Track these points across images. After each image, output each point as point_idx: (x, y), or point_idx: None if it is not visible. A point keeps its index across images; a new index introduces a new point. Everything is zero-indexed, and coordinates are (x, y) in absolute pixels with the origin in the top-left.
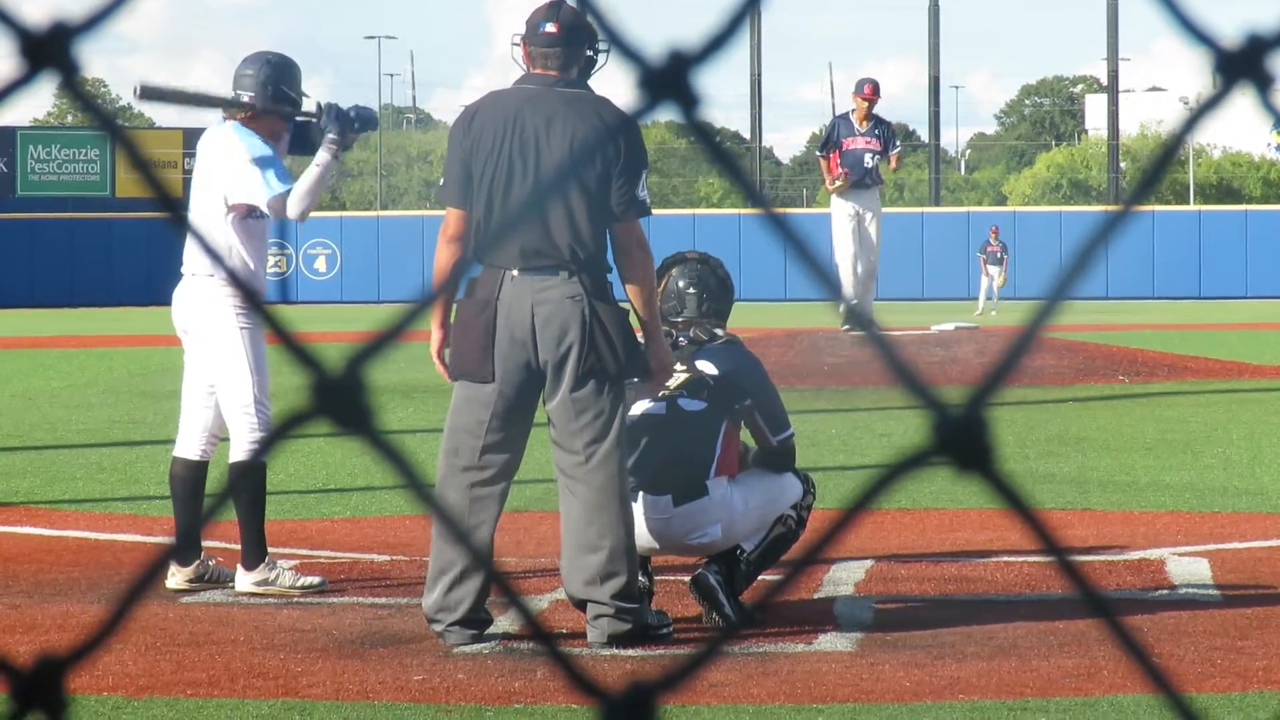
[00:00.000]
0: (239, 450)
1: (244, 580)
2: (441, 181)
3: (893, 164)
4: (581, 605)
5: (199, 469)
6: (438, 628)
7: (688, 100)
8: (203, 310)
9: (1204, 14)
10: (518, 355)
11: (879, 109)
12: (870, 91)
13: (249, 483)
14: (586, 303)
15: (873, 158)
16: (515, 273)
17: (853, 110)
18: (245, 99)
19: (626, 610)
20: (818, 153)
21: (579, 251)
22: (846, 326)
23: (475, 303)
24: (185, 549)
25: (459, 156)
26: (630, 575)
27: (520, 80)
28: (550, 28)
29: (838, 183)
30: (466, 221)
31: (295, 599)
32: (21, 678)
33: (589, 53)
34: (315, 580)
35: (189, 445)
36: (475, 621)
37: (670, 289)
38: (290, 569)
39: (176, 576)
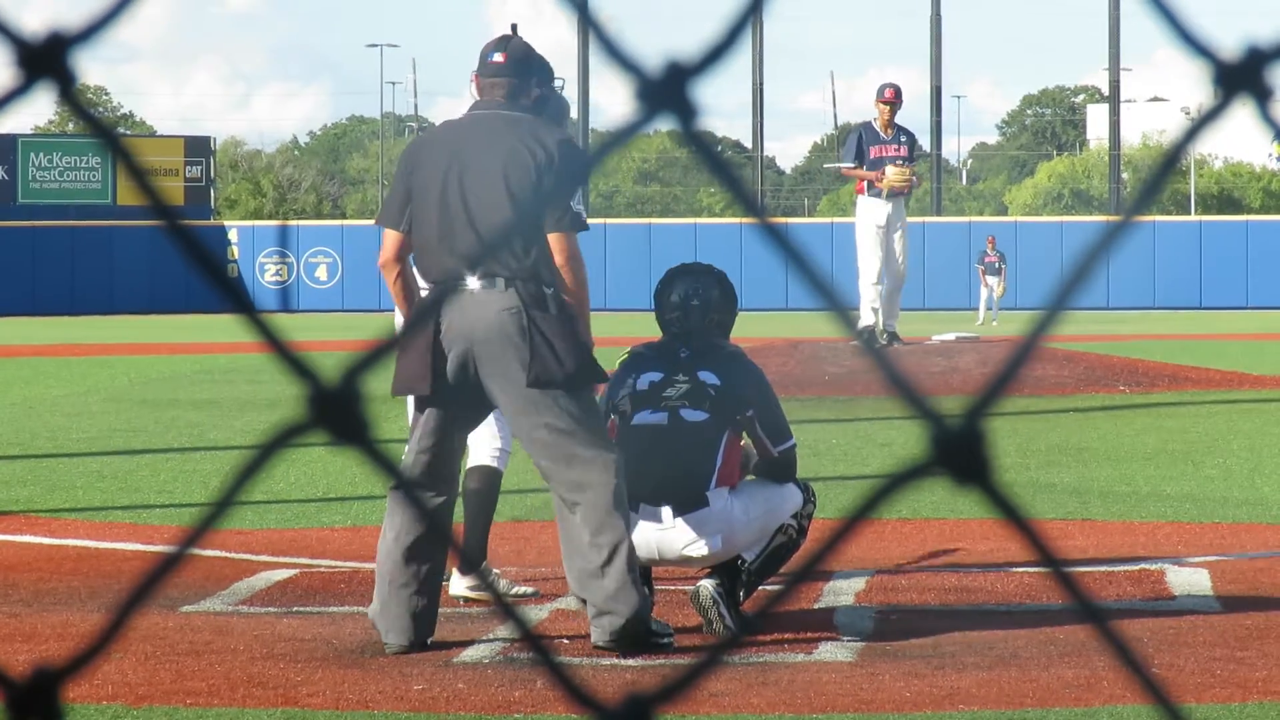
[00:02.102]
0: (483, 457)
1: (459, 585)
2: (382, 205)
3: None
4: (582, 604)
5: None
6: (381, 634)
7: (686, 111)
8: None
9: (1204, 26)
10: (459, 369)
11: (901, 116)
12: (892, 95)
13: (491, 488)
14: (524, 314)
15: (900, 165)
16: (455, 288)
17: (875, 118)
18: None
19: (630, 610)
20: (846, 164)
21: (514, 264)
22: (866, 337)
23: (417, 317)
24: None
25: (401, 180)
26: (635, 579)
27: (470, 109)
28: (498, 57)
29: (892, 176)
30: (403, 244)
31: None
32: (17, 688)
33: (538, 90)
34: (529, 590)
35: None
36: (414, 628)
37: (674, 300)
38: (503, 578)
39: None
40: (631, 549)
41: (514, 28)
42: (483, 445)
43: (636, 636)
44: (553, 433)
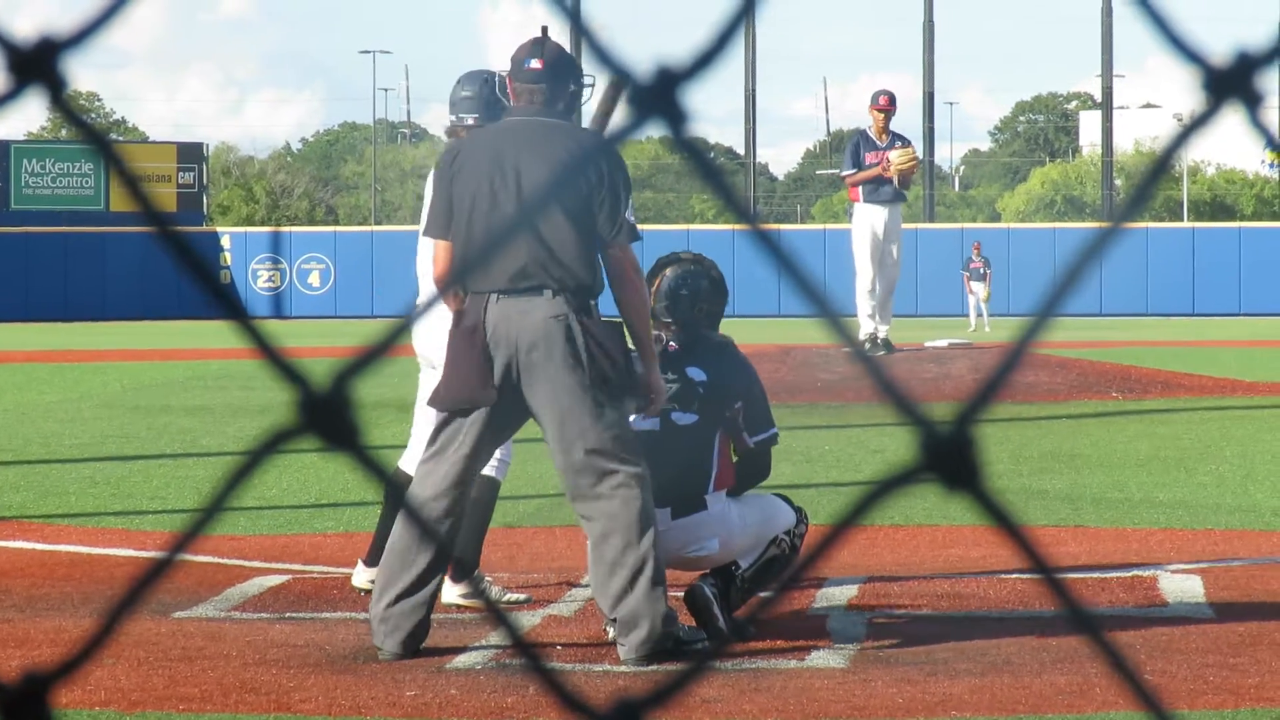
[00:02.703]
0: (485, 467)
1: (451, 592)
2: (425, 217)
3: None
4: (611, 621)
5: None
6: (375, 639)
7: (676, 117)
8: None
9: (1194, 31)
10: (504, 378)
11: (894, 123)
12: (886, 102)
13: (490, 497)
14: (573, 319)
15: (900, 146)
16: (499, 296)
17: (870, 126)
18: (469, 121)
19: (657, 626)
20: (843, 173)
21: (561, 273)
22: (867, 344)
23: (464, 331)
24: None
25: (443, 192)
26: (661, 593)
27: (506, 114)
28: (535, 64)
29: (896, 159)
30: (453, 252)
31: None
32: (7, 693)
33: (573, 87)
34: (521, 597)
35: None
36: (414, 635)
37: (662, 289)
38: (496, 584)
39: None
40: (657, 563)
41: (545, 30)
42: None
43: (665, 653)
44: (586, 445)
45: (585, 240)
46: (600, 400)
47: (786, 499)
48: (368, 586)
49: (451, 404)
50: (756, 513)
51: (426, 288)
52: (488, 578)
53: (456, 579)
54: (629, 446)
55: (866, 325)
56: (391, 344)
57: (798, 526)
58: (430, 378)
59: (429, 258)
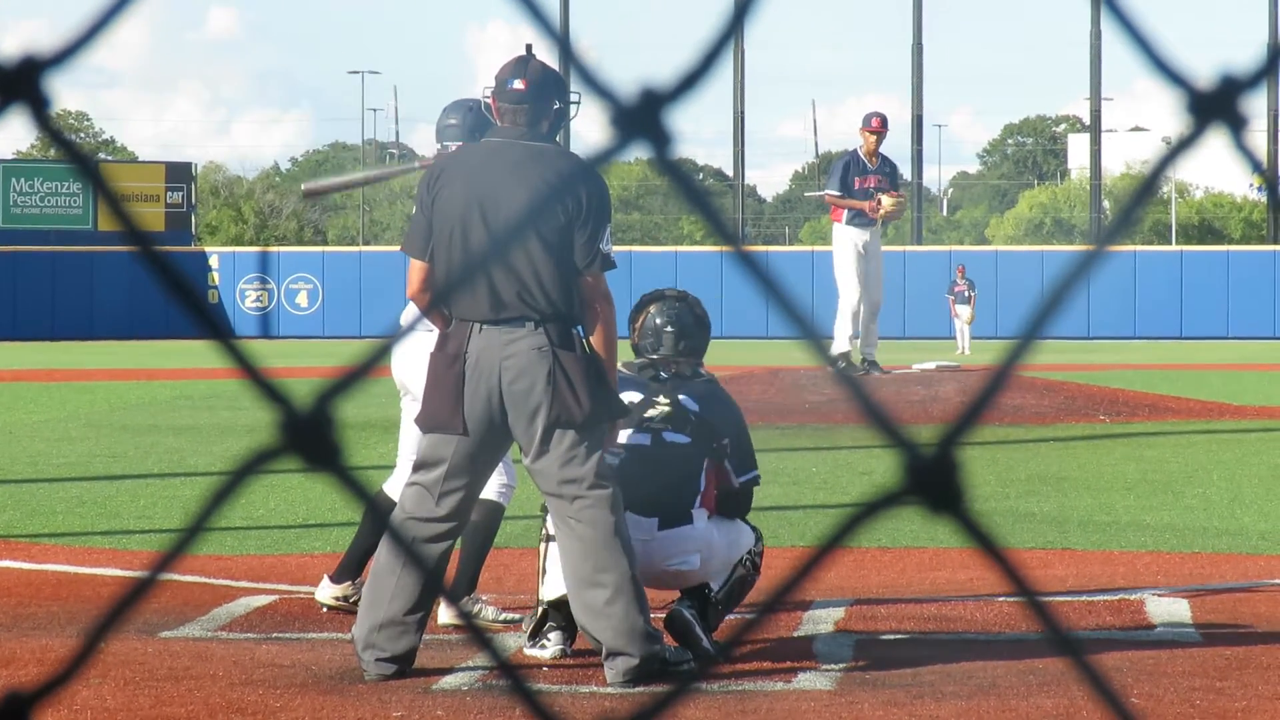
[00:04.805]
0: (488, 491)
1: (446, 613)
2: (406, 233)
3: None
4: (597, 644)
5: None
6: (361, 663)
7: (660, 138)
8: (414, 369)
9: (1180, 55)
10: (485, 407)
11: (882, 145)
12: (879, 124)
13: (492, 522)
14: (551, 353)
15: (892, 193)
16: (483, 325)
17: (860, 146)
18: (454, 149)
19: (643, 650)
20: (827, 192)
21: (544, 303)
22: (843, 364)
23: (445, 356)
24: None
25: (423, 210)
26: (643, 614)
27: (489, 135)
28: (518, 84)
29: (888, 204)
30: (429, 273)
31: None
32: None
33: (558, 105)
34: (517, 617)
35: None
36: (399, 658)
37: (648, 325)
38: (491, 604)
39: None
40: (636, 584)
41: (529, 48)
42: (490, 480)
43: (651, 674)
44: (562, 469)
45: (565, 270)
46: (571, 435)
47: (744, 519)
48: (330, 602)
49: (427, 426)
50: (728, 534)
51: (411, 307)
52: (484, 598)
53: (452, 600)
54: (600, 470)
55: (842, 344)
56: (374, 365)
57: (756, 545)
58: (408, 405)
59: None
